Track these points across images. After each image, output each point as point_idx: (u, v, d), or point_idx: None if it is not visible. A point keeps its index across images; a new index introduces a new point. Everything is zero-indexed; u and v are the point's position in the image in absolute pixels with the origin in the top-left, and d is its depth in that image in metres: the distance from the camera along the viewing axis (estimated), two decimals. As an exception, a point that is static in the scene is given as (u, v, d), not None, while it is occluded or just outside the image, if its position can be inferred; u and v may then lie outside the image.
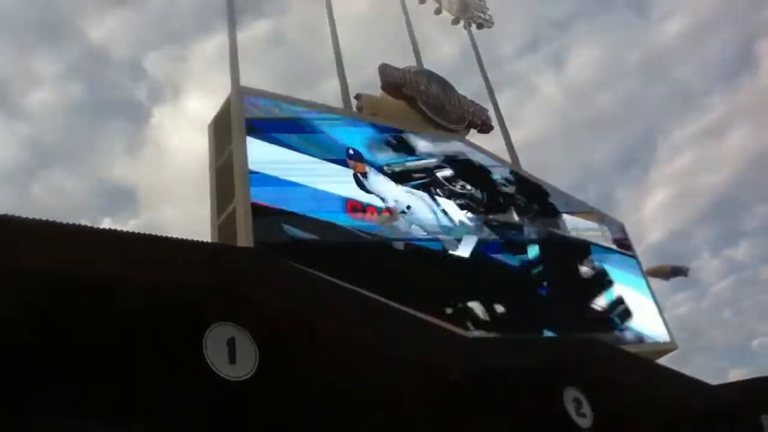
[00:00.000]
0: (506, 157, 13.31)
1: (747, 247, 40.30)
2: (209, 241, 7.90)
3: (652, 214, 41.10)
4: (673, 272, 13.49)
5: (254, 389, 5.54)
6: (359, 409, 6.75)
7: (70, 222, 5.14)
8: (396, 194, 9.96)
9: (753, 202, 43.90)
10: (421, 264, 9.42)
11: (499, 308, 9.74)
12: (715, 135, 41.41)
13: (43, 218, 4.89)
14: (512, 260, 10.85)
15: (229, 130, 8.84)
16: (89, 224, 5.29)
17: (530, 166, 13.35)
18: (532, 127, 36.60)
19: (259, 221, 7.81)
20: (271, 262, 6.38)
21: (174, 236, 5.64)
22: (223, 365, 5.37)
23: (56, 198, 32.55)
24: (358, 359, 6.52)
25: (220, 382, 5.31)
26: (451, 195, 10.84)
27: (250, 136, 8.70)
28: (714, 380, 9.47)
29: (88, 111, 36.68)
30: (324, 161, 9.34)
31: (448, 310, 9.04)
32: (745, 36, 41.08)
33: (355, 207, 9.07)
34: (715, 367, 36.86)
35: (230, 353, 5.45)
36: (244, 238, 7.50)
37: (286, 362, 6.11)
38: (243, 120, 8.82)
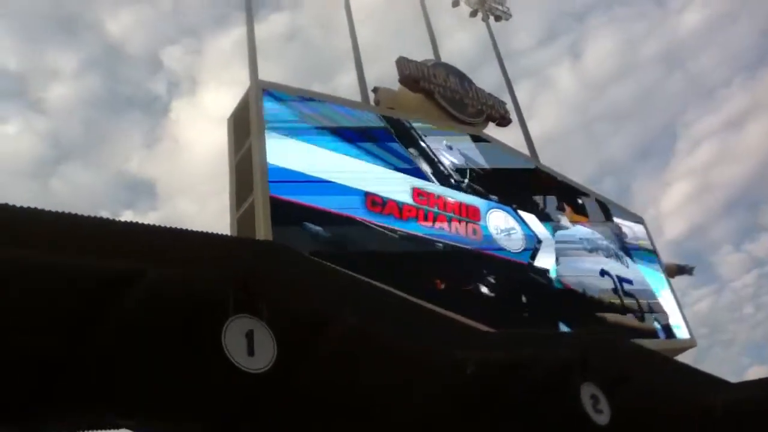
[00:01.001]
0: (525, 151, 13.24)
1: (768, 242, 39.86)
2: (228, 234, 7.94)
3: (670, 208, 40.82)
4: (678, 271, 13.40)
5: (272, 381, 5.58)
6: (375, 402, 6.79)
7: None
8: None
9: (773, 196, 43.39)
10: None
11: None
12: (736, 127, 40.97)
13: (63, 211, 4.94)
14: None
15: (248, 124, 8.87)
16: (109, 217, 5.30)
17: (548, 160, 13.29)
18: (549, 120, 36.42)
19: (278, 215, 7.84)
20: (289, 255, 6.40)
21: (193, 229, 5.68)
22: (242, 357, 5.40)
23: (75, 192, 32.92)
24: (375, 353, 6.55)
25: (239, 374, 5.34)
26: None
27: (269, 128, 8.72)
28: (734, 377, 9.40)
29: (106, 105, 37.03)
30: (345, 155, 9.36)
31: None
32: (765, 27, 40.49)
33: (374, 201, 9.08)
34: (735, 363, 36.58)
35: (249, 345, 5.49)
36: (263, 231, 7.52)
37: (304, 355, 6.15)
38: (262, 113, 8.85)
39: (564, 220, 12.07)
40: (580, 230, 12.21)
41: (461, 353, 7.08)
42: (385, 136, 10.30)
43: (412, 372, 6.85)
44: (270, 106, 9.04)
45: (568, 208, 12.36)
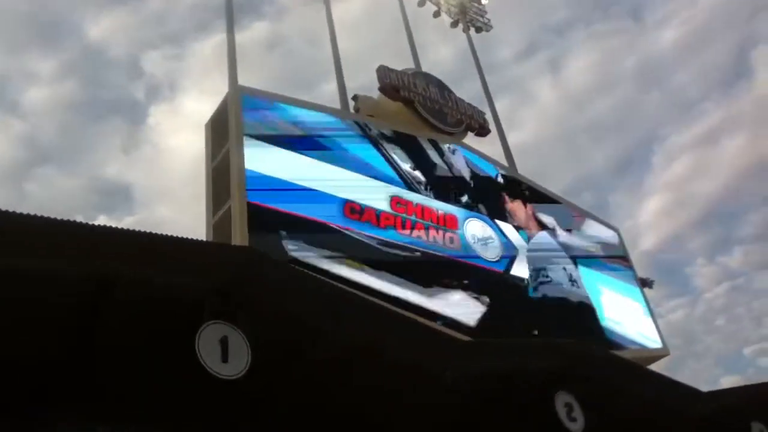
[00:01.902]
0: (503, 161, 13.34)
1: (740, 255, 40.58)
2: (204, 240, 7.89)
3: (646, 220, 41.35)
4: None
5: (246, 388, 5.53)
6: (351, 410, 6.76)
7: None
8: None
9: (747, 210, 44.16)
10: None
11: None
12: (711, 142, 41.62)
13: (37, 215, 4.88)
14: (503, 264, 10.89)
15: (226, 130, 8.85)
16: (83, 221, 5.24)
17: (526, 171, 13.40)
18: (528, 132, 36.81)
19: (255, 221, 7.81)
20: (266, 262, 6.37)
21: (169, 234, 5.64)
22: (216, 363, 5.35)
23: (51, 195, 32.54)
24: (352, 360, 6.53)
25: (212, 381, 5.30)
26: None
27: (247, 135, 8.70)
28: (706, 387, 9.50)
29: (84, 109, 36.71)
30: (324, 162, 9.36)
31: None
32: (740, 44, 41.39)
33: (353, 209, 9.09)
34: (707, 373, 37.02)
35: (223, 352, 5.44)
36: (240, 236, 7.50)
37: (279, 362, 6.11)
38: (240, 119, 8.83)
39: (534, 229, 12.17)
40: (548, 239, 12.32)
41: (439, 362, 7.08)
42: (364, 145, 10.33)
43: (389, 380, 6.83)
44: (249, 114, 9.04)
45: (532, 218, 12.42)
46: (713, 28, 40.68)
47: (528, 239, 11.68)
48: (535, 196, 12.88)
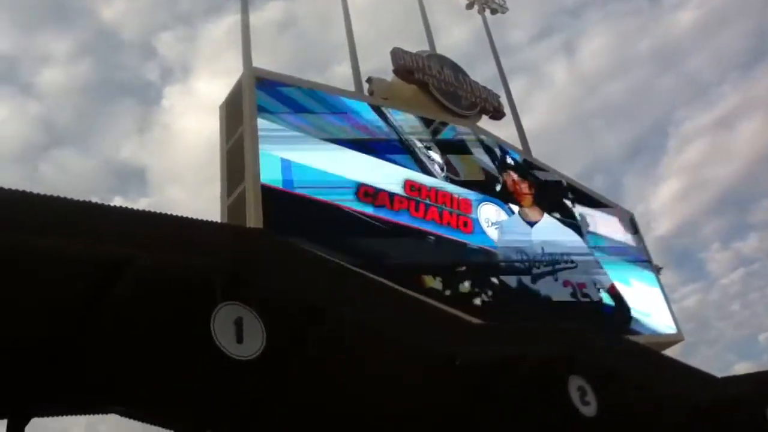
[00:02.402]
0: (518, 144, 13.26)
1: (756, 240, 40.15)
2: (219, 221, 7.93)
3: (660, 204, 40.99)
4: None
5: (261, 369, 5.57)
6: (364, 392, 6.80)
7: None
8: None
9: (763, 196, 43.67)
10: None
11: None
12: (727, 126, 41.08)
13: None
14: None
15: (240, 112, 8.85)
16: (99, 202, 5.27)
17: (540, 154, 13.32)
18: (543, 115, 36.52)
19: (269, 203, 7.83)
20: (280, 243, 6.40)
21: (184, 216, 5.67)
22: (231, 344, 5.38)
23: (65, 177, 32.79)
24: (364, 342, 6.55)
25: (227, 361, 5.33)
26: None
27: (262, 117, 8.70)
28: (720, 373, 9.47)
29: (98, 91, 36.86)
30: (337, 145, 9.36)
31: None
32: (760, 27, 40.61)
33: (366, 192, 9.09)
34: (721, 359, 36.86)
35: (237, 333, 5.47)
36: (254, 219, 7.52)
37: (293, 343, 6.15)
38: (255, 101, 8.83)
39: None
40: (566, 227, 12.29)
41: (452, 346, 7.10)
42: (378, 127, 10.31)
43: (403, 363, 6.86)
44: (263, 96, 9.03)
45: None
46: (730, 10, 40.05)
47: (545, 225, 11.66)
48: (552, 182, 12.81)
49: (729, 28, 40.49)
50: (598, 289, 11.51)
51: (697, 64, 41.55)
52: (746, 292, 39.42)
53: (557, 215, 12.22)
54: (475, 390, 7.64)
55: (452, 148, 11.32)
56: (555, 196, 12.60)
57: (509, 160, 12.38)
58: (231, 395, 5.91)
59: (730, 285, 39.73)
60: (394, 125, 10.61)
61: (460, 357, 7.16)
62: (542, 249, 11.18)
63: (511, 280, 10.16)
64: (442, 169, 10.67)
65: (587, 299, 11.19)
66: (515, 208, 11.35)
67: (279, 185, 8.17)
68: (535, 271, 10.73)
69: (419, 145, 10.70)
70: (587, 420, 7.54)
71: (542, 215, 11.90)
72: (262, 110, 8.78)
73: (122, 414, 6.20)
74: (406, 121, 10.90)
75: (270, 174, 8.17)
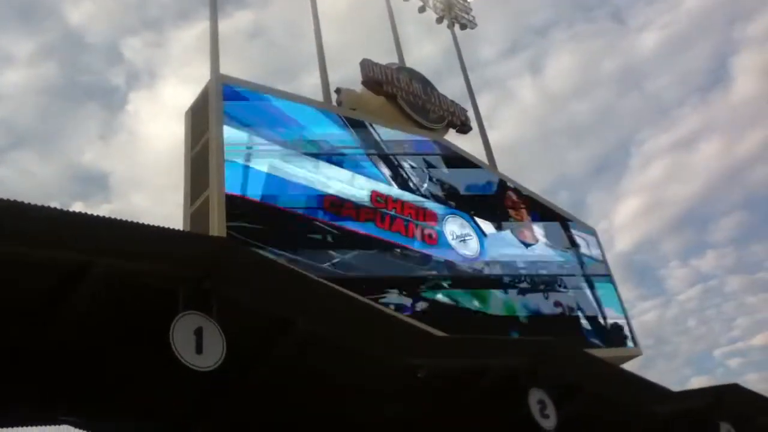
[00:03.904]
0: (483, 159, 13.38)
1: (713, 258, 41.16)
2: (182, 229, 7.81)
3: (622, 221, 41.78)
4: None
5: (220, 380, 5.50)
6: (325, 404, 6.75)
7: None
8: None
9: (720, 215, 44.80)
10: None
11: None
12: (687, 147, 42.18)
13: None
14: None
15: (206, 118, 8.76)
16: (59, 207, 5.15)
17: (505, 169, 13.45)
18: (509, 131, 37.00)
19: (233, 211, 7.76)
20: (244, 252, 6.34)
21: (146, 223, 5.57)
22: (190, 354, 5.31)
23: (26, 180, 32.01)
24: (327, 355, 6.53)
25: (186, 372, 5.25)
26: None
27: (228, 125, 8.63)
28: (676, 387, 9.63)
29: (62, 94, 36.16)
30: (304, 154, 9.32)
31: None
32: (720, 51, 41.83)
33: (333, 202, 9.07)
34: (678, 373, 37.58)
35: (197, 343, 5.40)
36: (218, 227, 7.44)
37: (254, 354, 6.08)
38: (221, 108, 8.75)
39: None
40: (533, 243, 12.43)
41: (415, 358, 7.10)
42: (344, 137, 10.31)
43: (365, 375, 6.84)
44: (230, 103, 8.96)
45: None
46: (693, 33, 41.19)
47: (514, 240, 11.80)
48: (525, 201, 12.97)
49: (691, 51, 41.65)
50: (560, 304, 11.65)
51: (659, 85, 42.64)
52: (703, 309, 40.38)
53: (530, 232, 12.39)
54: (437, 402, 7.65)
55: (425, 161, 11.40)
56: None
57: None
58: (189, 406, 5.81)
59: (688, 301, 40.68)
60: (363, 135, 10.63)
61: (423, 369, 7.17)
62: (509, 264, 11.31)
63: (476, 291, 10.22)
64: (411, 181, 10.71)
65: (550, 313, 11.32)
66: (481, 221, 11.41)
67: (243, 193, 8.10)
68: (500, 281, 10.82)
69: (391, 157, 10.73)
70: (547, 433, 7.64)
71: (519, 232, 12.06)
72: (228, 117, 8.70)
73: (75, 425, 6.04)
74: (379, 132, 10.93)
75: (234, 182, 8.10)
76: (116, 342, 5.50)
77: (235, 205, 7.85)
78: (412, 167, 11.01)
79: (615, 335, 12.15)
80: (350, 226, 9.09)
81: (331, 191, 9.17)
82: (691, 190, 41.93)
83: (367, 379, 6.92)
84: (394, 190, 10.19)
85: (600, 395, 8.40)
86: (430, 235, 10.18)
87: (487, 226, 11.48)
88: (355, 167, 9.96)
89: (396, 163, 10.76)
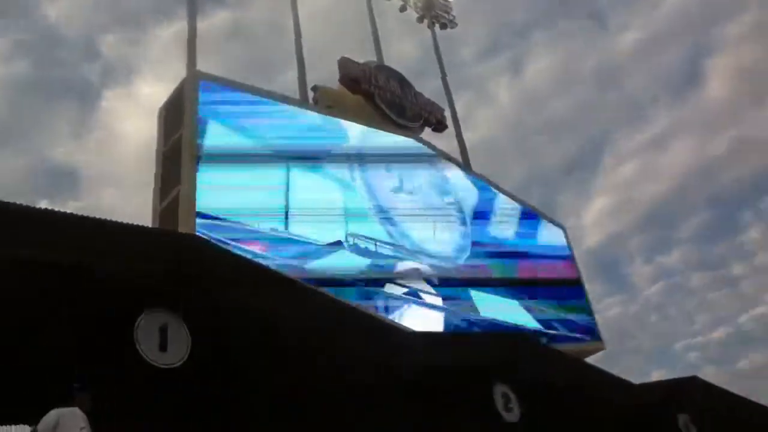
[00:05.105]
0: (458, 157, 13.54)
1: (678, 256, 41.85)
2: (150, 226, 7.88)
3: (592, 219, 42.35)
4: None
5: (183, 377, 5.58)
6: (288, 398, 6.83)
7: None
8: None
9: (688, 213, 45.46)
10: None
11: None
12: (659, 147, 42.67)
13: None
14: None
15: (180, 115, 8.76)
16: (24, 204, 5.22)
17: (479, 167, 13.64)
18: (485, 130, 37.32)
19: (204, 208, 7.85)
20: (209, 249, 6.41)
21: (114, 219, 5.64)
22: (153, 352, 5.39)
23: (-8, 176, 31.65)
24: (293, 351, 6.61)
25: (149, 369, 5.34)
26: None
27: (203, 120, 8.66)
28: (638, 380, 9.88)
29: (35, 88, 35.79)
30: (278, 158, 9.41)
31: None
32: (695, 52, 42.34)
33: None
34: (639, 367, 38.14)
35: (162, 340, 5.47)
36: (185, 224, 7.52)
37: (220, 351, 6.14)
38: (196, 105, 8.75)
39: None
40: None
41: (380, 350, 7.22)
42: (325, 140, 10.41)
43: (330, 370, 6.93)
44: (205, 100, 9.00)
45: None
46: (670, 35, 41.58)
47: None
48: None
49: (666, 52, 42.05)
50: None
51: (635, 84, 43.07)
52: (665, 305, 41.05)
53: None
54: (402, 395, 7.79)
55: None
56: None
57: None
58: (150, 402, 5.88)
59: (651, 297, 41.36)
60: (339, 136, 10.73)
61: (391, 363, 7.29)
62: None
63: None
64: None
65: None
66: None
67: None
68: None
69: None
70: (510, 426, 7.81)
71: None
72: (203, 113, 8.71)
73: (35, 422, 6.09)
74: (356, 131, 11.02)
75: (207, 180, 8.17)
76: (81, 338, 5.55)
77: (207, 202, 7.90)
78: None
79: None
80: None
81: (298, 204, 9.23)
82: (661, 189, 42.59)
83: (332, 375, 7.00)
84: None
85: (563, 388, 8.58)
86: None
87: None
88: (329, 170, 10.06)
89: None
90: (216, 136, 8.81)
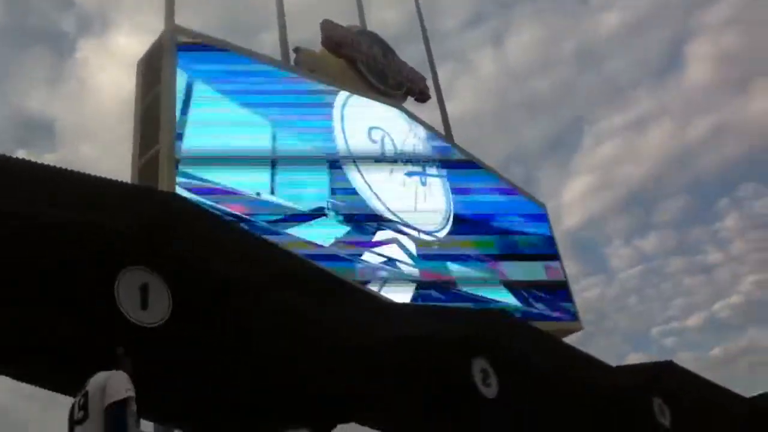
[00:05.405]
0: (440, 129, 13.38)
1: (656, 239, 42.61)
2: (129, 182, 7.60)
3: (571, 199, 42.79)
4: None
5: (165, 336, 5.41)
6: (268, 362, 6.73)
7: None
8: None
9: (666, 197, 46.25)
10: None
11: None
12: (638, 129, 43.24)
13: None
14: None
15: (158, 71, 8.51)
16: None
17: (461, 140, 13.49)
18: (467, 103, 37.26)
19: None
20: (190, 208, 6.20)
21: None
22: (135, 310, 5.21)
23: (-36, 124, 30.68)
24: (272, 313, 6.47)
25: (131, 328, 5.15)
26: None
27: (180, 78, 8.39)
28: (614, 363, 9.95)
29: (8, 36, 34.57)
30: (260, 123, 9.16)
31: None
32: (676, 36, 42.78)
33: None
34: (616, 349, 39.01)
35: (143, 299, 5.30)
36: (166, 182, 7.28)
37: (200, 311, 5.98)
38: (174, 61, 8.49)
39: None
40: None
41: (359, 320, 7.11)
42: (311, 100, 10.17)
43: (308, 334, 6.81)
44: (183, 57, 8.68)
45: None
46: (651, 16, 41.89)
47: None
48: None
49: (648, 34, 42.42)
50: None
51: (616, 66, 43.36)
52: (643, 288, 41.85)
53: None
54: (378, 368, 7.70)
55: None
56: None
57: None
58: (132, 362, 5.68)
59: (629, 280, 42.09)
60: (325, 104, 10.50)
61: (369, 335, 7.18)
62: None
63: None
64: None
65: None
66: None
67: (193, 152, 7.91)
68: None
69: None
70: (487, 401, 7.78)
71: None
72: (180, 72, 8.44)
73: (14, 377, 5.87)
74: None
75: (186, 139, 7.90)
76: (58, 295, 5.31)
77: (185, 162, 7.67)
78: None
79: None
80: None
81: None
82: (640, 171, 43.14)
83: (310, 340, 6.88)
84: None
85: (541, 366, 8.59)
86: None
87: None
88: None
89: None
90: (198, 101, 8.50)
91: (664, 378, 9.64)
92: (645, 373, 9.59)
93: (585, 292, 38.69)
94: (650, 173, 43.47)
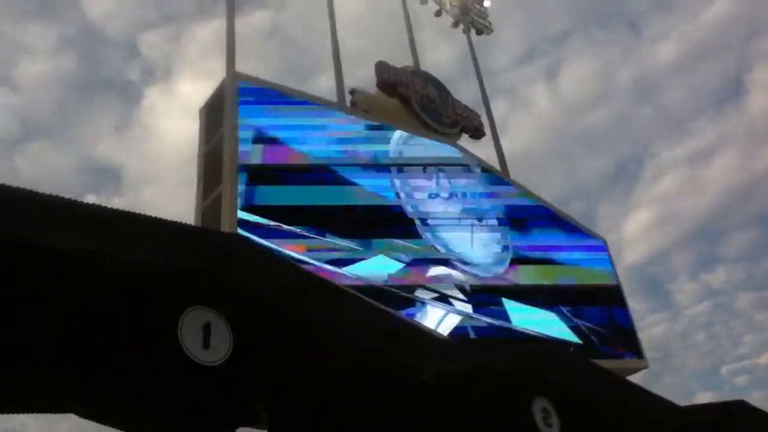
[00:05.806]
0: (496, 166, 13.37)
1: (723, 274, 40.91)
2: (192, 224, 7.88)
3: (633, 233, 41.67)
4: None
5: (226, 374, 5.52)
6: (329, 400, 6.77)
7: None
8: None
9: (732, 230, 44.48)
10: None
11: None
12: (701, 160, 42.03)
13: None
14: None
15: (220, 116, 8.84)
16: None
17: (518, 176, 13.42)
18: (522, 139, 37.07)
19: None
20: (252, 249, 6.37)
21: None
22: (197, 350, 5.33)
23: (40, 171, 32.31)
24: (331, 352, 6.53)
25: (193, 367, 5.27)
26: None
27: (242, 125, 8.69)
28: (681, 401, 9.55)
29: (79, 86, 36.56)
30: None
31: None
32: (736, 66, 41.68)
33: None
34: (684, 388, 37.35)
35: (204, 338, 5.42)
36: (228, 224, 7.50)
37: (260, 349, 6.10)
38: (236, 106, 8.82)
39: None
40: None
41: (418, 358, 7.09)
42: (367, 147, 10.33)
43: (369, 372, 6.83)
44: (245, 102, 9.00)
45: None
46: (710, 47, 41.03)
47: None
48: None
49: (706, 63, 41.52)
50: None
51: (674, 96, 42.49)
52: (711, 324, 40.09)
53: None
54: (436, 406, 7.62)
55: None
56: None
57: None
58: (194, 401, 5.83)
59: (697, 316, 40.44)
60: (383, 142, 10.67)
61: (426, 373, 7.14)
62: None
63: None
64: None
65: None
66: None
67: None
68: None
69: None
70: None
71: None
72: (242, 116, 8.76)
73: (81, 415, 6.07)
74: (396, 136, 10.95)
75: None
76: (123, 335, 5.50)
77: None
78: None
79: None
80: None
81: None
82: (704, 204, 41.76)
83: (371, 378, 6.91)
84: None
85: (604, 406, 8.34)
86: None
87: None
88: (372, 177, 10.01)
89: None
90: (259, 144, 8.79)
91: (736, 418, 9.19)
92: (715, 413, 9.17)
93: (650, 329, 37.40)
94: (715, 205, 42.06)
